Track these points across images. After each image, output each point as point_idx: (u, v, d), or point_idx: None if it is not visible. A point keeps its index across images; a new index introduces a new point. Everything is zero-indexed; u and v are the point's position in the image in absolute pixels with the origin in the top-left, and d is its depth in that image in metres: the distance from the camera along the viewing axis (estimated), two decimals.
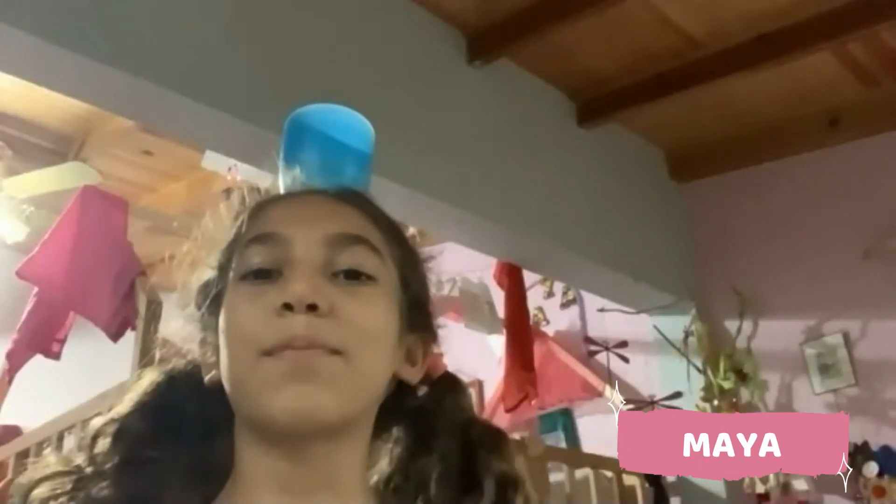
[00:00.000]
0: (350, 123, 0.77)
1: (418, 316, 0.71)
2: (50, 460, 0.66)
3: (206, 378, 0.67)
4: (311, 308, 0.61)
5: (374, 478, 0.70)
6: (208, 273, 0.70)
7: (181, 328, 0.71)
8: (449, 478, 0.67)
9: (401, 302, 0.69)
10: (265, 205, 0.70)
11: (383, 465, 0.71)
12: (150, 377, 0.70)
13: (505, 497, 0.67)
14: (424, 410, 0.71)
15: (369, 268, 0.66)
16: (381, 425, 0.70)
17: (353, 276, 0.65)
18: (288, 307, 0.61)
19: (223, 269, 0.68)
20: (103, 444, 0.65)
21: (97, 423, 0.67)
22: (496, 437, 0.71)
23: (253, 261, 0.65)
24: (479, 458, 0.68)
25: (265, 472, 0.63)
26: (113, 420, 0.66)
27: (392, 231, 0.71)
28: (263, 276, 0.64)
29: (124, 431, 0.65)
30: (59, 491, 0.63)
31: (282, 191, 0.73)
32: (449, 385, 0.74)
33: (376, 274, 0.66)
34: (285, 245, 0.65)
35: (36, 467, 0.65)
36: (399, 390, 0.70)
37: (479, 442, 0.69)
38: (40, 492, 0.63)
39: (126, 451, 0.64)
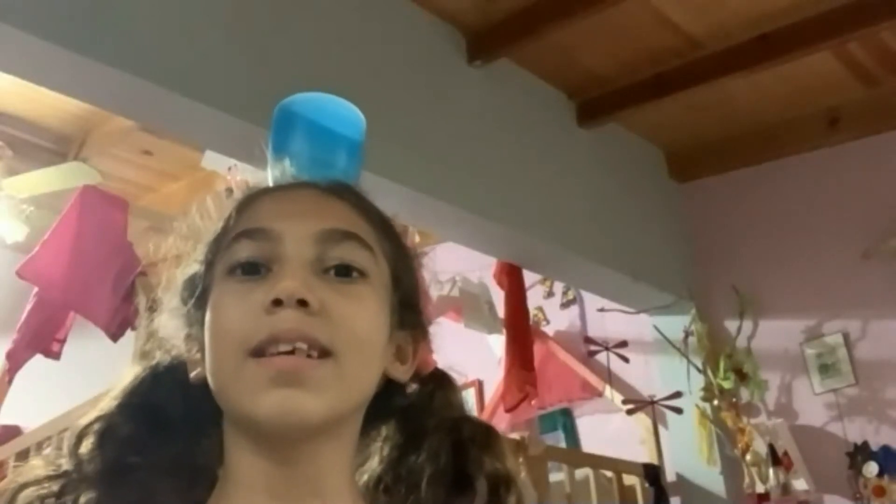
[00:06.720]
0: (340, 112, 0.75)
1: (409, 313, 0.69)
2: (35, 463, 0.65)
3: (192, 375, 0.65)
4: (302, 304, 0.60)
5: (364, 477, 0.69)
6: (194, 267, 0.68)
7: (166, 322, 0.69)
8: (440, 478, 0.66)
9: (392, 299, 0.67)
10: (254, 198, 0.68)
11: (373, 464, 0.70)
12: (135, 372, 0.68)
13: (497, 495, 0.66)
14: (414, 408, 0.70)
15: (361, 264, 0.64)
16: (370, 423, 0.69)
17: (344, 271, 0.63)
18: (277, 303, 0.59)
19: (210, 263, 0.66)
20: (88, 444, 0.63)
21: (82, 422, 0.65)
22: (487, 435, 0.69)
23: (241, 255, 0.63)
24: (470, 456, 0.67)
25: (253, 474, 0.62)
26: (98, 418, 0.65)
27: (384, 226, 0.70)
28: (252, 270, 0.63)
29: (109, 432, 0.64)
30: (44, 493, 0.61)
31: (271, 183, 0.71)
32: (439, 382, 0.72)
33: (368, 270, 0.65)
34: (275, 241, 0.63)
35: (21, 470, 0.64)
36: (388, 388, 0.68)
37: (470, 440, 0.68)
38: (26, 495, 0.62)
39: (112, 455, 0.63)
